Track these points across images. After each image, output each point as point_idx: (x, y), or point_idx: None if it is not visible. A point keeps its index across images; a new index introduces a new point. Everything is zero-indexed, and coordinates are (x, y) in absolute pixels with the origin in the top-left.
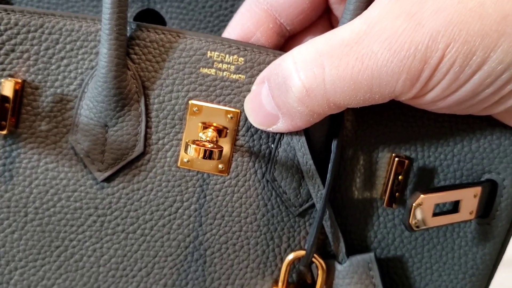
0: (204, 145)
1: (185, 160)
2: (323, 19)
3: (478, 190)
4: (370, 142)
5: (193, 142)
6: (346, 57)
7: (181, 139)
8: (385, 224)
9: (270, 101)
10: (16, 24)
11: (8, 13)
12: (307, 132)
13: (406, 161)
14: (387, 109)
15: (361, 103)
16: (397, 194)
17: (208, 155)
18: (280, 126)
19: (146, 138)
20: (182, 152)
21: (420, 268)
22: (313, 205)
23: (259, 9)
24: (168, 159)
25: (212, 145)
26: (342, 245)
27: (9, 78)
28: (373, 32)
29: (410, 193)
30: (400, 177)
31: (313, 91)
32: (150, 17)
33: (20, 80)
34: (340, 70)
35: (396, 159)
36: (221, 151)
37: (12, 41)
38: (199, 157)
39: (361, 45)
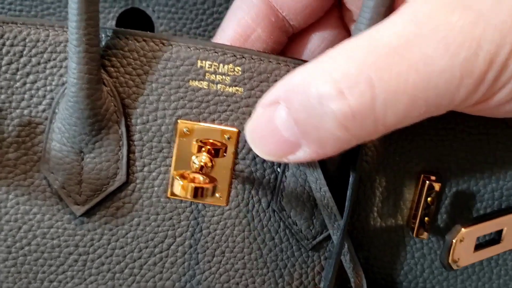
0: (193, 179)
1: None
2: (332, 15)
3: None
4: (394, 160)
5: (181, 175)
6: (398, 67)
7: (170, 165)
8: (413, 254)
9: (291, 126)
10: None
11: None
12: None
13: (437, 182)
14: None
15: (414, 121)
16: (426, 218)
17: (200, 193)
18: (300, 155)
19: (129, 165)
20: (172, 180)
21: None
22: (328, 237)
23: (258, 0)
24: (156, 188)
25: (203, 178)
26: (363, 282)
27: None
28: (425, 32)
29: (441, 218)
30: (429, 199)
31: (361, 113)
32: (135, 17)
33: None
34: (392, 85)
35: (426, 180)
36: (215, 187)
37: None
38: (189, 197)
39: (412, 49)
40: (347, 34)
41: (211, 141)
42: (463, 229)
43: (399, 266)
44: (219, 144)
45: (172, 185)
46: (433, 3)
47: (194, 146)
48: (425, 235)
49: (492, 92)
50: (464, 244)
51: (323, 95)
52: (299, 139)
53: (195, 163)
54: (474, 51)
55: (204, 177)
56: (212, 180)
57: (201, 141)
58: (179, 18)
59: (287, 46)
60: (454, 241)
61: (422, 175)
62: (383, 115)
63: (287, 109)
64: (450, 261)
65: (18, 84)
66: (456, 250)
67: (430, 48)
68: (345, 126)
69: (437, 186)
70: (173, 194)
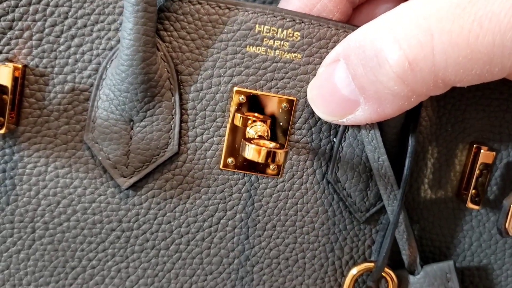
0: (264, 145)
1: (229, 160)
2: None
3: None
4: (447, 131)
5: (250, 140)
6: (460, 20)
7: (223, 136)
8: (462, 226)
9: (349, 82)
10: None
11: None
12: (379, 123)
13: (490, 153)
14: (466, 90)
15: (475, 80)
16: (473, 191)
17: (272, 158)
18: (359, 115)
19: (181, 135)
20: (225, 151)
21: (500, 275)
22: (381, 210)
23: None
24: (208, 159)
25: (274, 144)
26: (416, 253)
27: (7, 63)
28: None
29: (491, 190)
30: (477, 171)
31: (418, 64)
32: None
33: (20, 66)
34: (453, 36)
35: (478, 150)
36: (287, 153)
37: (9, 16)
38: (260, 160)
39: (477, 4)
40: None
41: (255, 114)
42: None
43: (447, 239)
44: (261, 116)
45: (243, 151)
46: None
47: (237, 119)
48: (476, 206)
49: None
50: None
51: (378, 46)
52: (357, 96)
53: (250, 133)
54: None
55: (274, 143)
56: (281, 146)
57: (243, 114)
58: None
59: (351, 19)
60: None
61: (474, 146)
62: (443, 68)
63: (346, 65)
64: (507, 226)
65: (62, 47)
66: None
67: (497, 5)
68: (402, 79)
69: (489, 157)
70: (226, 164)
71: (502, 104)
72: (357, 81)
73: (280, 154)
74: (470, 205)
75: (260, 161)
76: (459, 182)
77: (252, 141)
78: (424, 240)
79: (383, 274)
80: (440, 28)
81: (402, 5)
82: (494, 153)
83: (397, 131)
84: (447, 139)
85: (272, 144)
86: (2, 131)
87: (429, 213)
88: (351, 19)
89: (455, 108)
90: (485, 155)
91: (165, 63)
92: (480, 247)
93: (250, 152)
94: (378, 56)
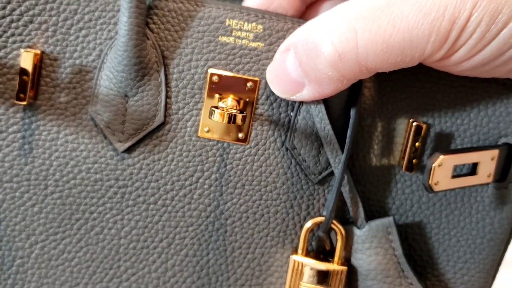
0: (227, 109)
1: (206, 129)
2: None
3: (495, 153)
4: (388, 108)
5: (217, 107)
6: (378, 20)
7: (201, 109)
8: (403, 190)
9: (296, 68)
10: None
11: None
12: (325, 99)
13: (424, 126)
14: (404, 75)
15: (392, 67)
16: (414, 160)
17: (232, 119)
18: (305, 93)
19: (166, 108)
20: (202, 122)
21: (438, 233)
22: (332, 173)
23: None
24: (188, 129)
25: (235, 110)
26: (360, 210)
27: (28, 49)
28: None
29: (427, 159)
30: (417, 143)
31: (345, 55)
32: None
33: (38, 52)
34: (372, 34)
35: (414, 124)
36: (244, 116)
37: (30, 12)
38: (224, 122)
39: (392, 8)
40: None
41: (231, 96)
42: (441, 155)
43: (391, 201)
44: (237, 98)
45: (210, 115)
46: None
47: (216, 99)
48: (411, 172)
49: (454, 50)
50: (442, 169)
51: (317, 40)
52: (303, 78)
53: (222, 107)
54: (442, 14)
55: (236, 109)
56: (242, 112)
57: (221, 94)
58: None
59: (304, 14)
60: (433, 165)
61: (411, 120)
62: (364, 58)
63: (294, 54)
64: (430, 182)
65: (72, 37)
66: (435, 173)
67: (406, 8)
68: (334, 66)
69: (423, 131)
70: (203, 133)
71: (433, 86)
72: (302, 67)
73: (239, 117)
74: (406, 170)
75: (224, 122)
76: (400, 152)
77: (218, 107)
78: (371, 201)
79: (333, 227)
80: (363, 27)
81: (338, 6)
82: (426, 126)
83: (341, 107)
84: (388, 115)
85: (233, 111)
86: (25, 102)
87: (374, 178)
88: (305, 15)
89: (394, 89)
90: (420, 129)
91: (154, 50)
92: (420, 208)
93: (216, 116)
94: (316, 48)
